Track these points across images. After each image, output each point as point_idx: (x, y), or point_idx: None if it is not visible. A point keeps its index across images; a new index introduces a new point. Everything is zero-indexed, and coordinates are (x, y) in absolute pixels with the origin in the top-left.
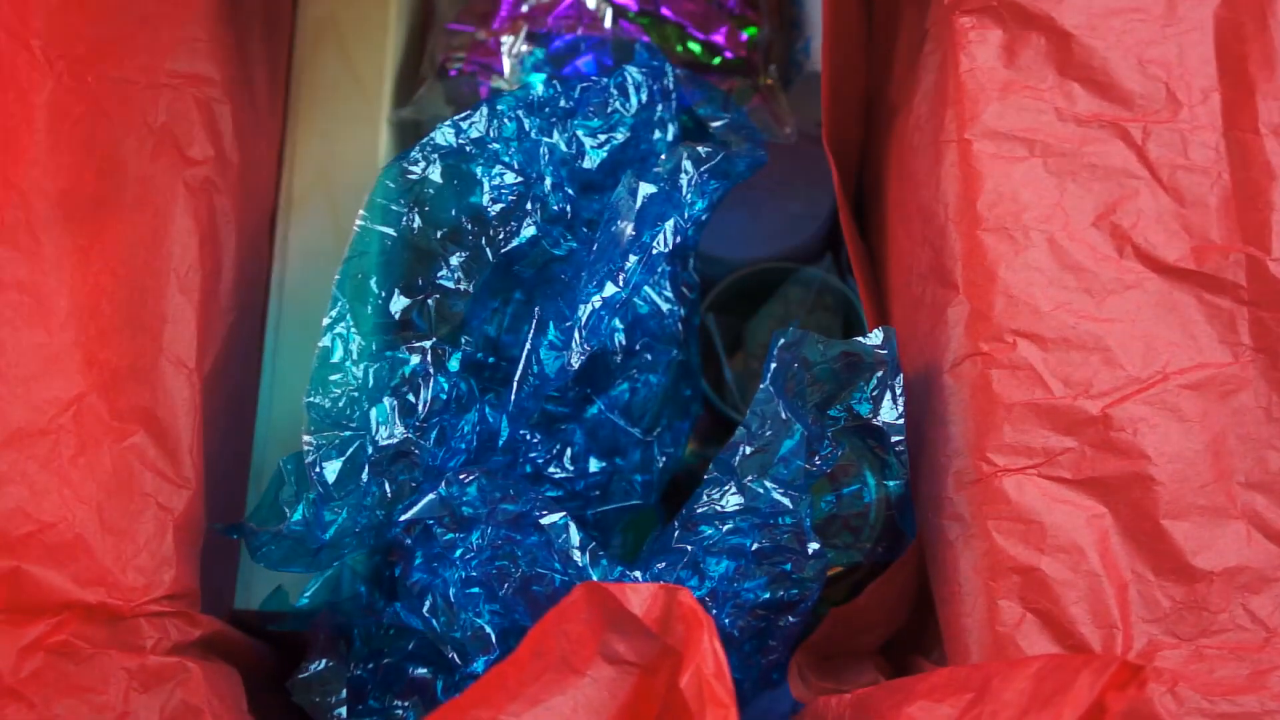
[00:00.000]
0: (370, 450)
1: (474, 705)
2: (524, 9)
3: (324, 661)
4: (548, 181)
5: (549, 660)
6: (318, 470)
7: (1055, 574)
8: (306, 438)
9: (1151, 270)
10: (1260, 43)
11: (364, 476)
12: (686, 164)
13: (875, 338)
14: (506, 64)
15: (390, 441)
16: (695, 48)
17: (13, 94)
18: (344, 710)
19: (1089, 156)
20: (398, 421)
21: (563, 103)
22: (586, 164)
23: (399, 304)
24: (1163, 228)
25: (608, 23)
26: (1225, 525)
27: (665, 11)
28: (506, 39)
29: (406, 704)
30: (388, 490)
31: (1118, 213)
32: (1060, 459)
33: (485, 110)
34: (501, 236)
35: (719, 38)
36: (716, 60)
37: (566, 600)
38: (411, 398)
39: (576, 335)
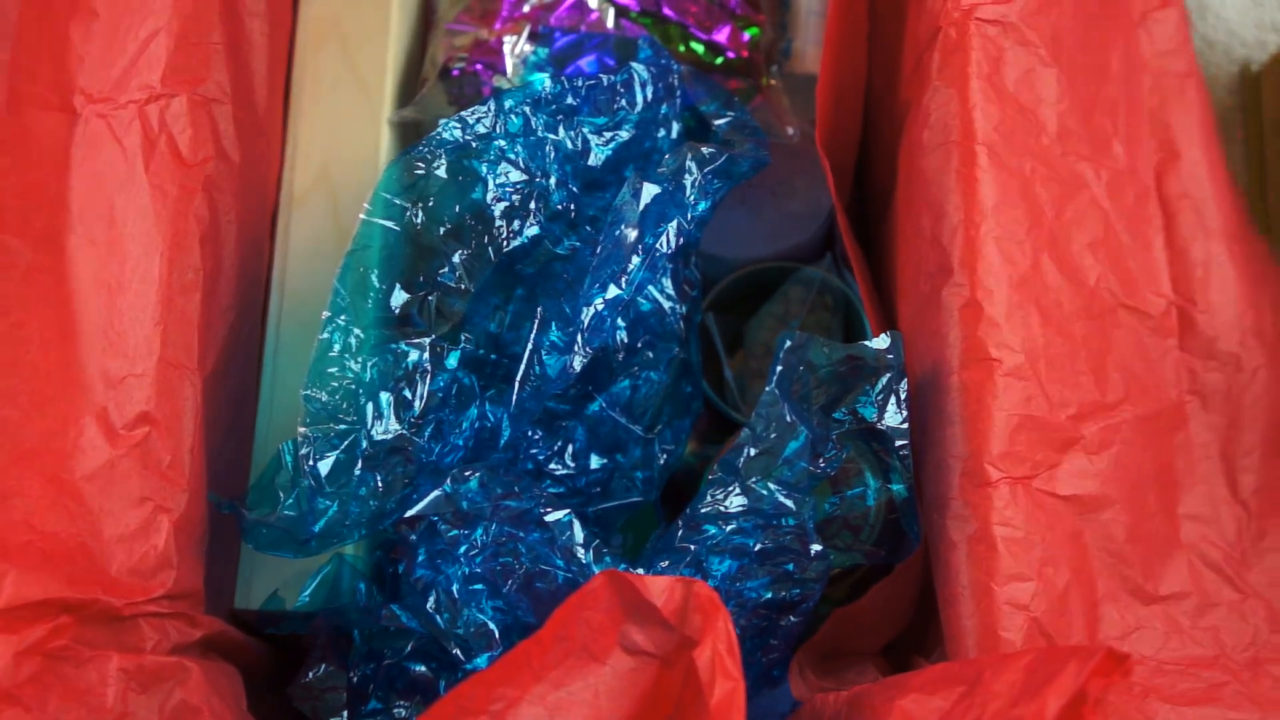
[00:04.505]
0: (365, 444)
1: (500, 683)
2: (525, 8)
3: (324, 666)
4: (552, 179)
5: (571, 646)
6: (311, 463)
7: (1046, 584)
8: (302, 429)
9: (1117, 305)
10: (1179, 117)
11: (357, 470)
12: (690, 164)
13: (881, 342)
14: (509, 64)
15: (385, 436)
16: (698, 48)
17: (21, 129)
18: (345, 714)
19: (1073, 186)
20: (393, 417)
21: (570, 99)
22: (591, 161)
23: (399, 299)
24: (1122, 268)
25: (609, 22)
26: (1173, 553)
27: (667, 11)
28: (509, 39)
29: (408, 704)
30: (380, 484)
31: (1093, 245)
32: (1050, 473)
33: (493, 105)
34: (504, 235)
35: (721, 38)
36: (719, 60)
37: (587, 587)
38: (408, 393)
39: (579, 338)
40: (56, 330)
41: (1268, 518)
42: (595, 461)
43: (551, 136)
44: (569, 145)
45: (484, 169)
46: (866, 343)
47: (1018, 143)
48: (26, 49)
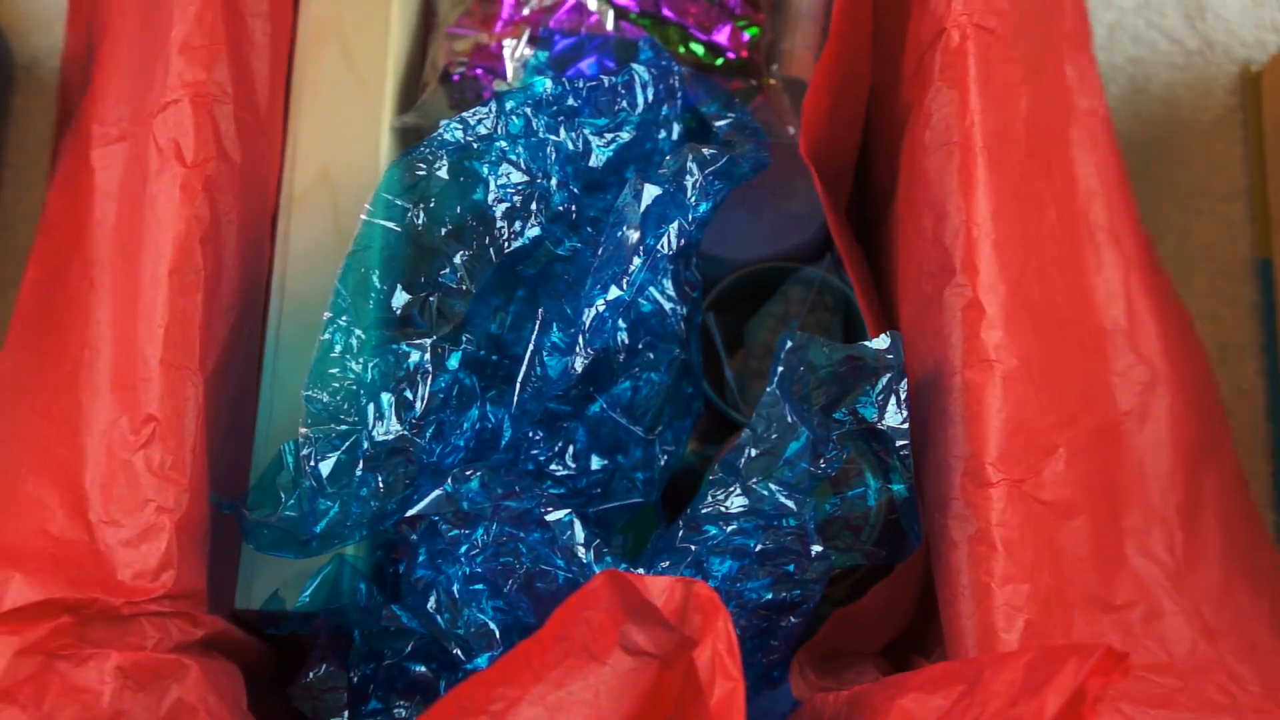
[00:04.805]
0: (366, 445)
1: (500, 683)
2: (525, 12)
3: (324, 666)
4: (553, 180)
5: (571, 646)
6: (312, 464)
7: (1035, 587)
8: (303, 430)
9: (1071, 321)
10: (1095, 155)
11: (359, 470)
12: (691, 165)
13: (881, 342)
14: (509, 68)
15: (386, 437)
16: (698, 49)
17: (89, 169)
18: (345, 714)
19: (1038, 203)
20: (395, 418)
21: (571, 100)
22: (592, 162)
23: (400, 299)
24: (1071, 287)
25: (609, 24)
26: (1121, 564)
27: (666, 12)
28: (509, 42)
29: (408, 704)
30: (381, 484)
31: (1054, 261)
32: (1037, 478)
33: (494, 107)
34: (505, 236)
35: (721, 38)
36: (719, 61)
37: (588, 587)
38: (409, 394)
39: (580, 339)
40: (89, 345)
41: (1191, 534)
42: (596, 462)
43: (553, 138)
44: (570, 146)
45: (485, 170)
46: (866, 343)
47: (1006, 152)
48: (98, 90)
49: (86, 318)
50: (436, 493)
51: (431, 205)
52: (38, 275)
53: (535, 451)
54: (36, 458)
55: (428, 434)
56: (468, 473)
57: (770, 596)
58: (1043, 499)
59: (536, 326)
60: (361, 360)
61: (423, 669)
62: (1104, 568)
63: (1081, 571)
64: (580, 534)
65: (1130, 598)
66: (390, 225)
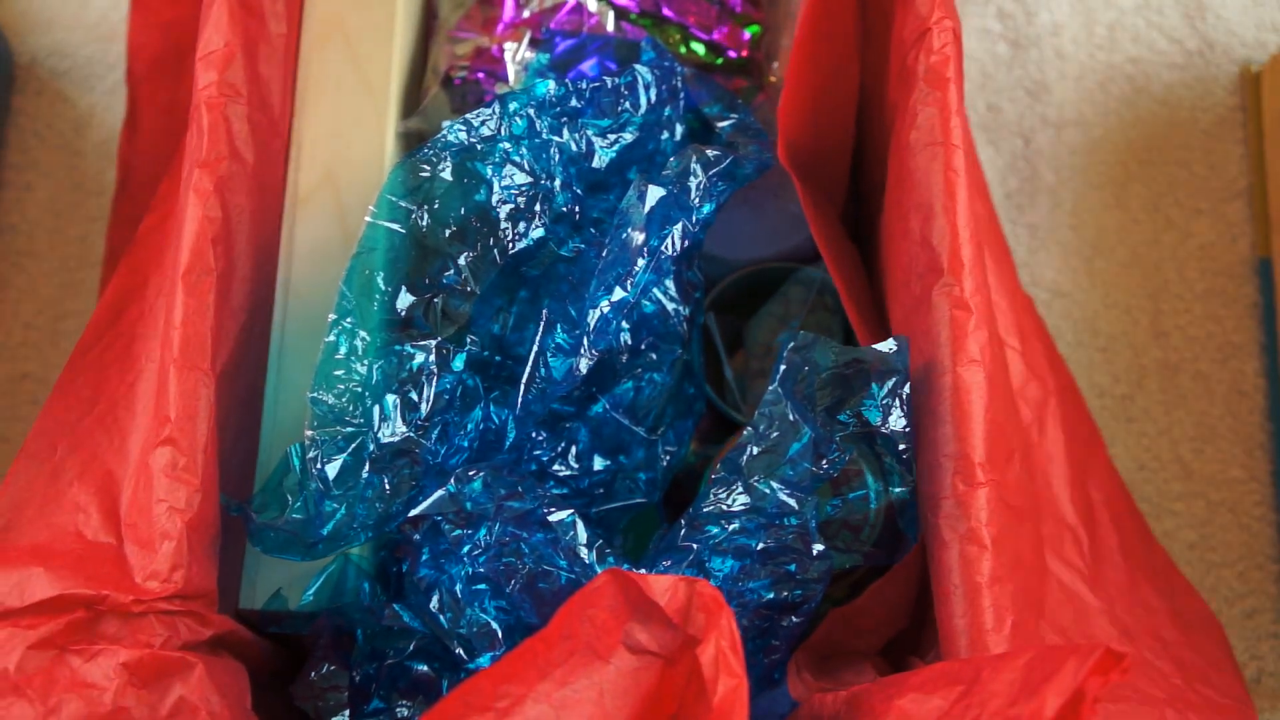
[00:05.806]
0: (372, 447)
1: (506, 680)
2: (525, 14)
3: (326, 665)
4: (556, 180)
5: (576, 644)
6: (318, 466)
7: (1017, 588)
8: (309, 432)
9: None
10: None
11: (364, 472)
12: (695, 167)
13: (889, 346)
14: (511, 71)
15: (392, 439)
16: (698, 48)
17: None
18: (347, 713)
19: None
20: (400, 419)
21: (574, 101)
22: (595, 163)
23: (404, 301)
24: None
25: (610, 25)
26: (1046, 570)
27: (667, 12)
28: (510, 45)
29: (410, 703)
30: (387, 486)
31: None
32: (1005, 482)
33: (497, 108)
34: (509, 237)
35: (721, 37)
36: (720, 60)
37: (591, 586)
38: (414, 395)
39: (585, 341)
40: (152, 356)
41: (1094, 539)
42: (598, 463)
43: (556, 139)
44: (573, 147)
45: (489, 171)
46: (874, 346)
47: (973, 155)
48: None
49: (155, 330)
50: (440, 493)
51: (435, 207)
52: (114, 290)
53: (538, 452)
54: (85, 464)
55: (432, 435)
56: (471, 473)
57: (772, 596)
58: (1010, 503)
59: (540, 327)
60: (366, 362)
61: (425, 668)
62: (1038, 573)
63: (1027, 576)
64: (583, 534)
65: (1058, 601)
66: (394, 227)
